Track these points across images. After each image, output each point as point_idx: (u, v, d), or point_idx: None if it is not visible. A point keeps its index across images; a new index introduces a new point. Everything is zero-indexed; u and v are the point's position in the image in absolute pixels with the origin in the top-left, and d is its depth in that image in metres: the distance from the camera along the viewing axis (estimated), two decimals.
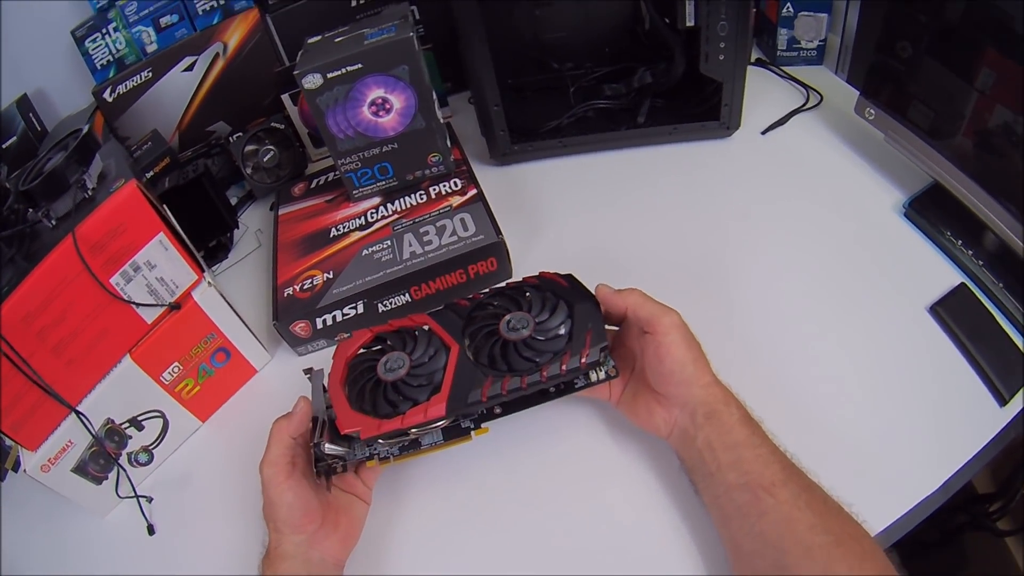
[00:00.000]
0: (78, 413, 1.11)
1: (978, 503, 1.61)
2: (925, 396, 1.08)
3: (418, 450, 1.00)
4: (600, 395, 1.08)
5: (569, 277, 1.07)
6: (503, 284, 1.09)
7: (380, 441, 0.98)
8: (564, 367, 0.95)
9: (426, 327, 1.04)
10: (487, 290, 1.09)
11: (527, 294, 1.05)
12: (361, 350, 1.05)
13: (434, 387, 0.97)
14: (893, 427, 1.05)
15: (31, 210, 1.14)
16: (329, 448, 0.95)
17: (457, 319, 1.05)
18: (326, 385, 1.02)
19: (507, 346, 0.99)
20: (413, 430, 0.96)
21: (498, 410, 1.01)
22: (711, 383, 0.95)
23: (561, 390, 1.01)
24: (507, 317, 1.01)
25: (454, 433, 1.00)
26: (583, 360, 0.95)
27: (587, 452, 1.10)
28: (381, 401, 0.97)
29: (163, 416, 1.24)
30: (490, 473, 1.10)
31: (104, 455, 1.17)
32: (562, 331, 0.99)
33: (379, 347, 1.05)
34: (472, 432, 1.00)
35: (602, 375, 1.00)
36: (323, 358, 1.25)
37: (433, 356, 1.00)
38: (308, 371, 1.07)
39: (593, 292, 1.04)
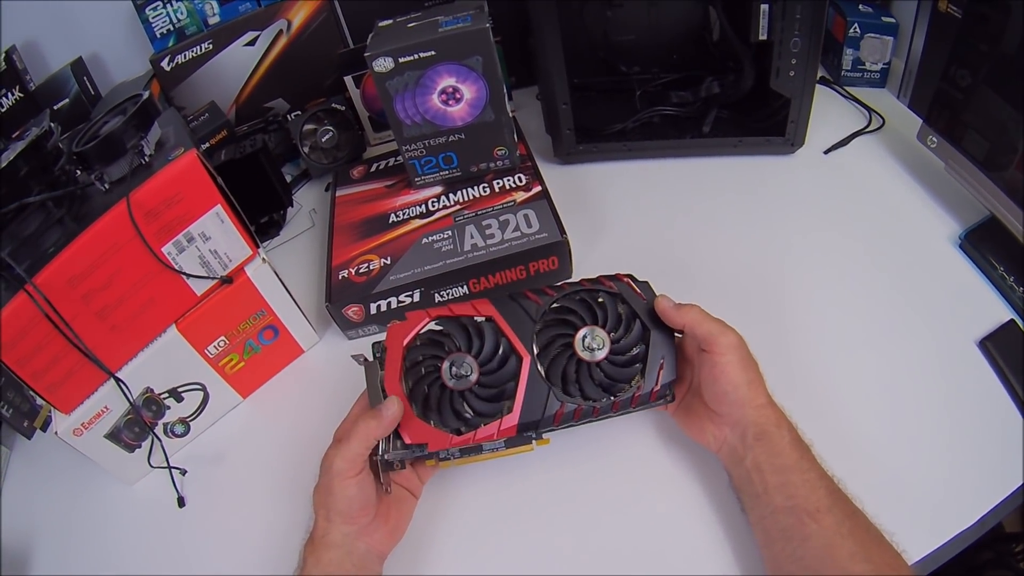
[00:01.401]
0: (117, 380, 1.07)
1: (1005, 542, 1.56)
2: (967, 430, 1.03)
3: (479, 455, 0.97)
4: None
5: (645, 286, 1.01)
6: (577, 281, 1.03)
7: None
8: (634, 404, 0.95)
9: (489, 319, 0.99)
10: (560, 284, 1.02)
11: (601, 300, 1.00)
12: (418, 341, 1.00)
13: (504, 399, 0.95)
14: (933, 458, 1.01)
15: (81, 172, 1.10)
16: (392, 456, 0.94)
17: (527, 318, 0.99)
18: (382, 381, 0.97)
19: (581, 367, 0.96)
20: None
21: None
22: (764, 404, 0.92)
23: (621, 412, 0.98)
24: (582, 332, 0.97)
25: (516, 441, 0.97)
26: (653, 395, 0.95)
27: (637, 459, 1.07)
28: (448, 411, 0.94)
29: (204, 389, 1.21)
30: (539, 474, 1.06)
31: (140, 423, 1.14)
32: (636, 351, 0.97)
33: (438, 338, 0.99)
34: (534, 442, 0.97)
35: (661, 403, 0.98)
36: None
37: (503, 365, 0.96)
38: (359, 358, 1.00)
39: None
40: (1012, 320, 1.13)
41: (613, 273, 1.03)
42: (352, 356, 1.00)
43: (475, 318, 0.99)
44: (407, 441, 0.93)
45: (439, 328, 1.00)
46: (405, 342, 0.98)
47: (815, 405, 1.01)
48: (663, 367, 0.95)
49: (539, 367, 0.96)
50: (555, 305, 1.00)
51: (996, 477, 0.97)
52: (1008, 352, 1.08)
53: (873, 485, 0.90)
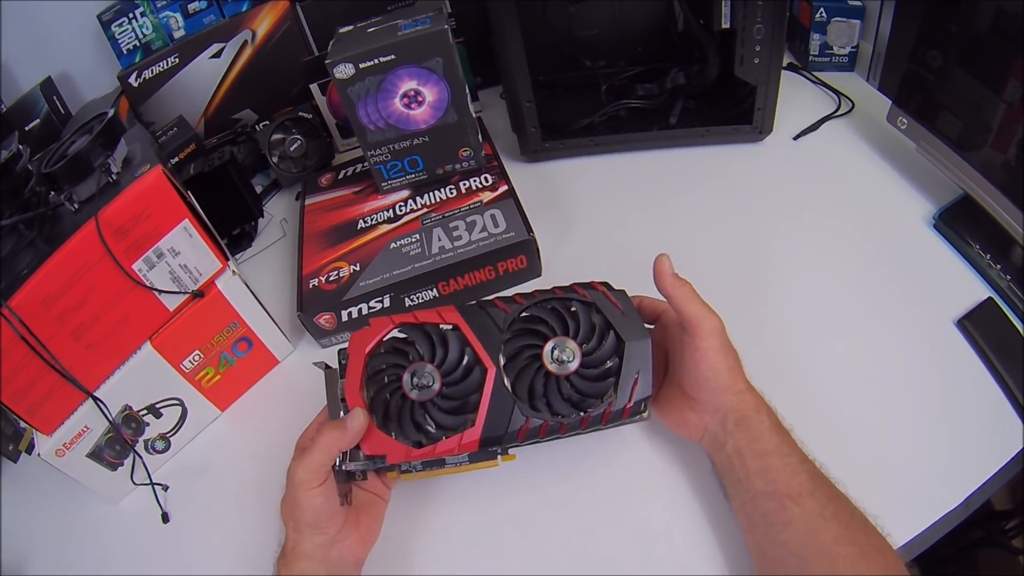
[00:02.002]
0: (95, 399, 1.09)
1: (995, 520, 1.60)
2: (949, 410, 1.06)
3: (442, 468, 0.96)
4: None
5: (621, 295, 0.99)
6: (549, 289, 1.01)
7: None
8: (605, 421, 0.93)
9: (455, 327, 0.97)
10: (531, 292, 1.01)
11: (573, 309, 0.98)
12: (381, 349, 0.98)
13: (467, 412, 0.93)
14: (916, 440, 1.03)
15: (53, 193, 1.11)
16: (351, 466, 0.94)
17: (494, 328, 0.97)
18: (342, 391, 0.97)
19: (549, 380, 0.94)
20: None
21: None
22: (744, 390, 0.93)
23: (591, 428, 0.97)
24: (551, 344, 0.94)
25: (481, 456, 0.95)
26: (626, 412, 0.93)
27: (617, 451, 1.08)
28: (408, 423, 0.93)
29: (182, 404, 1.22)
30: (517, 469, 1.01)
31: (120, 441, 1.15)
32: (609, 364, 0.94)
33: (401, 347, 0.97)
34: (499, 457, 0.95)
35: (634, 419, 0.96)
36: None
37: (467, 376, 0.94)
38: (322, 365, 1.00)
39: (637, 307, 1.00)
40: (990, 298, 1.16)
41: (587, 281, 1.00)
42: (314, 363, 1.01)
43: (440, 326, 0.97)
44: (366, 452, 0.92)
45: (403, 336, 0.98)
46: (367, 349, 0.97)
47: (796, 390, 1.03)
48: (638, 382, 0.93)
49: (505, 380, 0.93)
50: (524, 314, 0.98)
51: (980, 456, 1.00)
52: (987, 330, 1.11)
53: (857, 468, 0.91)
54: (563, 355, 0.93)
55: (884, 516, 0.85)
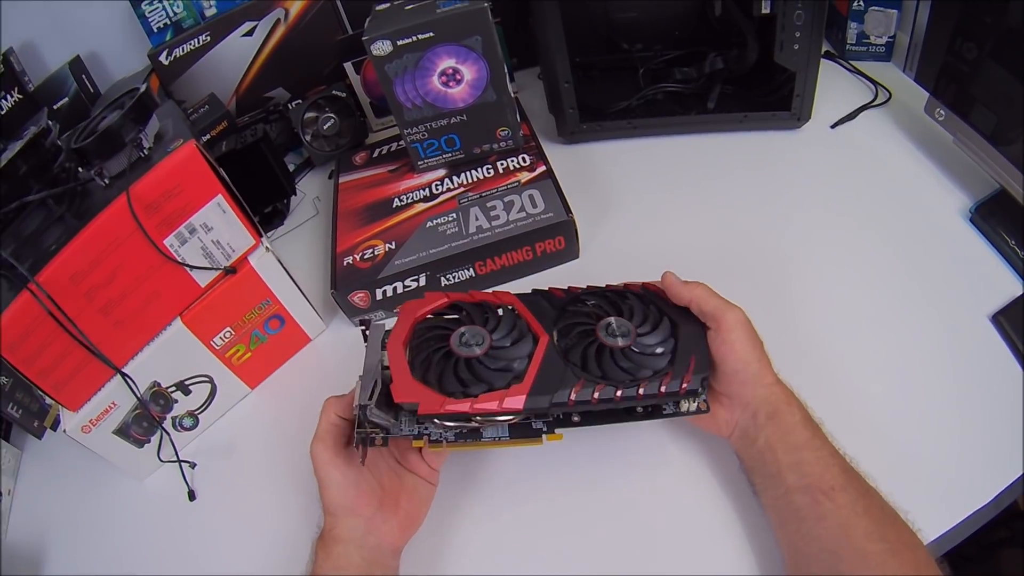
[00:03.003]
0: (123, 375, 1.07)
1: (1020, 520, 1.55)
2: (982, 405, 1.02)
3: (477, 441, 0.89)
4: None
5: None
6: (603, 286, 1.00)
7: (436, 421, 0.87)
8: (664, 388, 0.86)
9: (511, 307, 0.94)
10: (585, 287, 0.99)
11: (628, 300, 0.96)
12: (431, 316, 0.95)
13: (515, 375, 0.86)
14: (948, 436, 1.00)
15: (83, 168, 1.09)
16: (374, 414, 0.84)
17: (549, 308, 0.95)
18: (385, 342, 0.91)
19: (603, 351, 0.90)
20: (477, 418, 0.86)
21: (576, 418, 0.90)
22: (774, 383, 0.91)
23: (649, 413, 0.92)
24: (606, 320, 0.92)
25: (523, 432, 0.89)
26: (684, 386, 0.87)
27: (646, 455, 1.05)
28: (450, 376, 0.86)
29: (211, 381, 1.21)
30: (552, 473, 1.04)
31: (148, 418, 1.14)
32: (661, 350, 0.91)
33: (452, 314, 0.95)
34: (544, 436, 0.88)
35: (693, 407, 0.91)
36: None
37: (518, 341, 0.90)
38: (364, 323, 0.95)
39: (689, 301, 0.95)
40: None
41: (639, 282, 1.00)
42: (358, 321, 0.97)
43: (496, 305, 0.95)
44: (396, 399, 0.84)
45: (454, 312, 0.95)
46: (418, 315, 0.93)
47: (827, 383, 1.02)
48: (695, 358, 0.89)
49: (557, 348, 0.90)
50: (580, 298, 0.97)
51: (1012, 454, 0.96)
52: (1021, 326, 1.08)
53: (888, 464, 0.89)
54: (618, 330, 0.91)
55: (914, 512, 0.83)
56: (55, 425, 1.11)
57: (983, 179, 1.23)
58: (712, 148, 1.50)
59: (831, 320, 1.15)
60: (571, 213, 1.25)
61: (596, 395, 0.85)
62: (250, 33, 1.60)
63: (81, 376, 1.05)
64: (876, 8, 1.55)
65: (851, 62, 1.64)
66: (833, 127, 1.48)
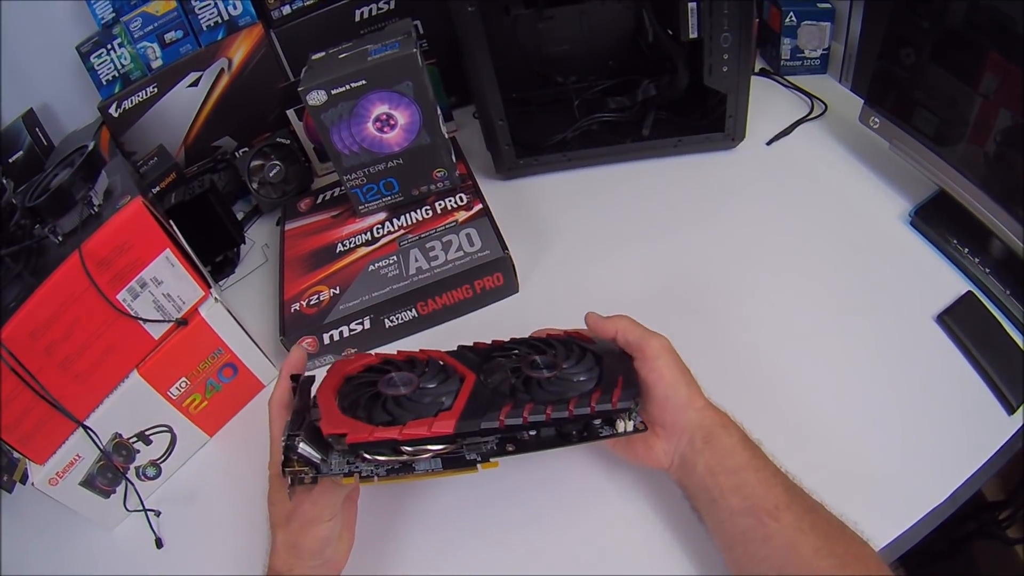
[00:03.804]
0: (85, 428, 1.12)
1: (987, 511, 1.60)
2: (933, 406, 1.08)
3: (409, 475, 0.87)
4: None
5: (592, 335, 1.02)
6: (527, 336, 1.04)
7: (366, 456, 0.84)
8: (595, 405, 0.87)
9: (440, 361, 0.95)
10: (509, 339, 1.03)
11: (552, 345, 0.99)
12: (360, 373, 0.95)
13: (444, 408, 0.86)
14: (900, 437, 1.05)
15: (37, 225, 1.15)
16: (303, 449, 0.83)
17: (475, 357, 0.97)
18: (315, 393, 0.90)
19: (530, 381, 0.91)
20: (408, 449, 0.85)
21: (511, 447, 0.88)
22: (705, 406, 0.94)
23: (584, 436, 0.91)
24: (531, 358, 0.95)
25: (456, 464, 0.87)
26: (615, 401, 0.88)
27: (584, 493, 1.08)
28: (379, 411, 0.85)
29: (171, 431, 1.25)
30: (483, 506, 1.09)
31: (112, 469, 1.18)
32: (585, 378, 0.92)
33: (381, 366, 0.95)
34: (479, 465, 0.86)
35: (630, 427, 0.92)
36: None
37: (444, 381, 0.91)
38: (295, 378, 0.97)
39: (617, 343, 0.99)
40: (969, 291, 1.19)
41: (563, 330, 1.05)
42: (291, 377, 0.97)
43: (424, 359, 0.96)
44: (324, 431, 0.82)
45: (386, 363, 0.95)
46: (348, 369, 0.94)
47: (776, 394, 1.10)
48: (623, 377, 0.91)
49: (484, 383, 0.91)
50: (506, 346, 1.00)
51: (965, 451, 1.02)
52: (966, 323, 1.15)
53: (841, 469, 0.96)
54: (543, 364, 0.93)
55: (870, 515, 0.87)
56: (24, 478, 1.11)
57: (921, 182, 1.30)
58: (649, 174, 1.56)
59: (778, 331, 1.21)
60: (507, 250, 1.31)
61: (527, 415, 0.85)
62: (196, 83, 1.67)
63: (45, 429, 1.09)
64: (809, 22, 1.63)
65: (787, 77, 1.71)
66: (769, 143, 1.56)
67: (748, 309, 1.26)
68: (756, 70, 1.71)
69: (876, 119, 1.33)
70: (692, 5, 1.34)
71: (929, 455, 1.02)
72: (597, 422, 0.92)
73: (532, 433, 0.89)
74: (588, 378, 0.92)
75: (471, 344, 1.01)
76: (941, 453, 1.03)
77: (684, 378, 0.94)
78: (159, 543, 1.19)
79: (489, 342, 1.02)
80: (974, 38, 1.12)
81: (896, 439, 1.05)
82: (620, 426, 0.92)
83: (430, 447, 0.85)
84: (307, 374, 0.97)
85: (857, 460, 1.02)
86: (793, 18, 1.64)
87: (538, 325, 1.08)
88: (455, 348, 1.00)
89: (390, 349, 1.03)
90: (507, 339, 1.03)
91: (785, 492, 0.86)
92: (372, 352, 0.99)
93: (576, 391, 0.90)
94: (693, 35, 1.38)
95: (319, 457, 0.84)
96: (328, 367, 0.94)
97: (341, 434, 0.81)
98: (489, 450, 0.88)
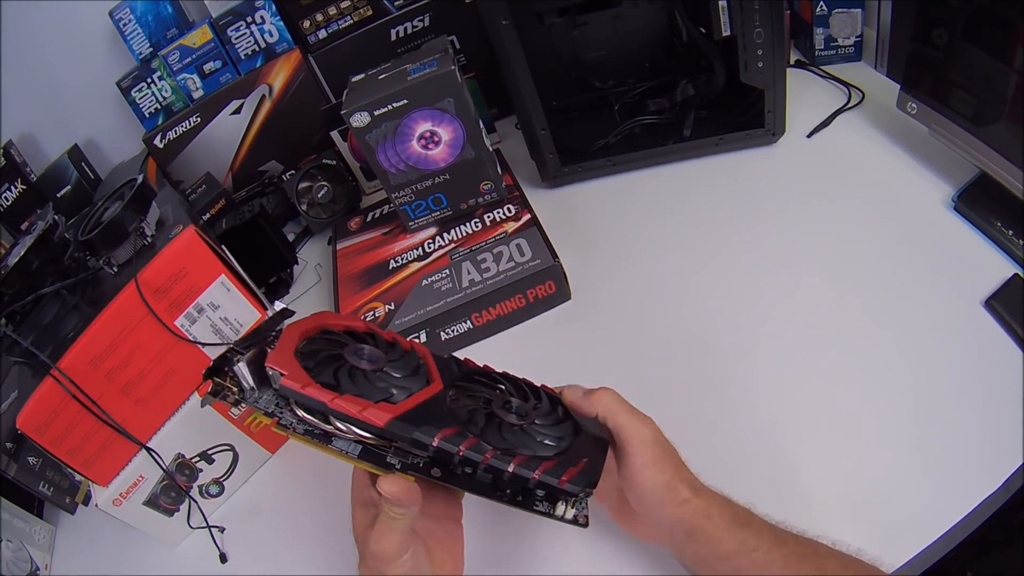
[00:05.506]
0: (149, 450, 1.14)
1: None
2: (982, 391, 1.05)
3: (323, 446, 0.81)
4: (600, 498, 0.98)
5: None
6: (521, 377, 0.94)
7: (292, 408, 0.80)
8: (538, 474, 0.80)
9: (420, 359, 0.90)
10: (501, 372, 0.95)
11: (540, 396, 0.91)
12: (345, 331, 0.90)
13: (390, 399, 0.81)
14: (950, 423, 1.03)
15: (91, 258, 1.18)
16: (239, 369, 0.80)
17: (457, 371, 0.92)
18: (283, 327, 0.85)
19: (492, 418, 0.85)
20: (338, 425, 0.80)
21: (436, 472, 0.83)
22: (686, 499, 0.85)
23: (517, 501, 0.85)
24: (508, 397, 0.88)
25: (374, 459, 0.81)
26: (563, 480, 0.80)
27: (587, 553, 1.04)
28: (328, 372, 0.81)
29: (233, 449, 1.27)
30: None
31: (175, 488, 1.20)
32: (551, 443, 0.84)
33: (365, 339, 0.88)
34: (396, 471, 0.81)
35: (570, 515, 0.85)
36: None
37: (408, 377, 0.85)
38: (286, 311, 0.91)
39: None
40: (1016, 274, 1.15)
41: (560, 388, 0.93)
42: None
43: (406, 348, 0.90)
44: (267, 362, 0.78)
45: (370, 335, 0.91)
46: (331, 322, 0.89)
47: (828, 379, 1.10)
48: (586, 463, 0.83)
49: (446, 397, 0.85)
50: (493, 375, 0.94)
51: (1020, 435, 0.98)
52: (1015, 307, 1.10)
53: (894, 457, 0.97)
54: (515, 409, 0.86)
55: (923, 504, 0.87)
56: (87, 500, 1.14)
57: (962, 166, 1.27)
58: (693, 174, 1.56)
59: (828, 321, 1.20)
60: (557, 258, 1.32)
61: (463, 448, 0.78)
62: (238, 111, 1.71)
63: (108, 452, 1.12)
64: (840, 10, 1.61)
65: (822, 67, 1.69)
66: (809, 136, 1.54)
67: (798, 297, 1.25)
68: (792, 62, 1.70)
69: (913, 104, 1.31)
70: (722, 3, 1.33)
71: (981, 441, 1.00)
72: (541, 493, 0.85)
73: (467, 470, 0.83)
74: (554, 445, 0.85)
75: (464, 359, 0.95)
76: (993, 439, 0.99)
77: (663, 477, 0.86)
78: (223, 558, 1.21)
79: (483, 365, 0.96)
80: (1006, 12, 1.09)
81: (946, 425, 1.03)
82: (560, 509, 0.85)
83: (356, 430, 0.80)
84: (290, 308, 0.92)
85: (908, 447, 1.01)
86: (824, 7, 1.63)
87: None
88: (446, 355, 0.95)
89: None
90: (499, 371, 0.96)
91: (784, 567, 0.81)
92: (364, 319, 1.00)
93: (531, 451, 0.83)
94: (726, 32, 1.37)
95: (251, 384, 0.81)
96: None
97: (280, 373, 0.77)
98: (413, 464, 0.83)
